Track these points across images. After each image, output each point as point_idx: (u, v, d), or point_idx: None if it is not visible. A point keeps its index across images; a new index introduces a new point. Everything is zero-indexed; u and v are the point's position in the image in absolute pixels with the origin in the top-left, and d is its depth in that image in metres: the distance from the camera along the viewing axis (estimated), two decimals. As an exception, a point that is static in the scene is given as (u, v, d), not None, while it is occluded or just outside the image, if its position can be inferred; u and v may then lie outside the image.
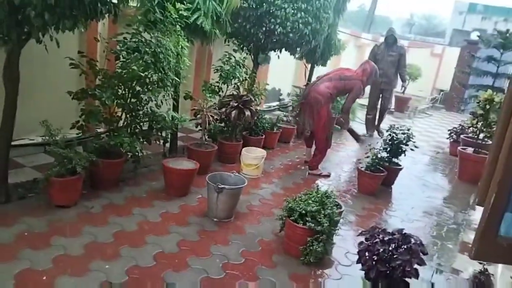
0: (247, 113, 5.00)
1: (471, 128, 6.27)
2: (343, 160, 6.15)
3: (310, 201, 3.14)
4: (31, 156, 4.25)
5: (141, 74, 3.64)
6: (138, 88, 3.84)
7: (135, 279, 2.60)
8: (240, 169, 4.78)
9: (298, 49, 6.11)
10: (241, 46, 5.77)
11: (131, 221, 3.31)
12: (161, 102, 4.08)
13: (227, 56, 5.21)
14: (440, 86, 14.48)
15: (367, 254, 2.54)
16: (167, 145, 4.71)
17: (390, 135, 4.92)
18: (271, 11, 5.15)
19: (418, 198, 5.00)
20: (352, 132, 5.90)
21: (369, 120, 8.07)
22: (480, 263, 3.08)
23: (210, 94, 5.12)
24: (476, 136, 6.01)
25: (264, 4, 5.13)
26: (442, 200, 5.08)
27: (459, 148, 6.17)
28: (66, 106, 4.31)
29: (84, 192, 3.54)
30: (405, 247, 2.50)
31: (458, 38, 16.16)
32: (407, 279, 2.45)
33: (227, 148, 5.10)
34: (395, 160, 5.07)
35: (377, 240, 2.56)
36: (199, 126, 4.89)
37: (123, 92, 3.83)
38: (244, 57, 5.49)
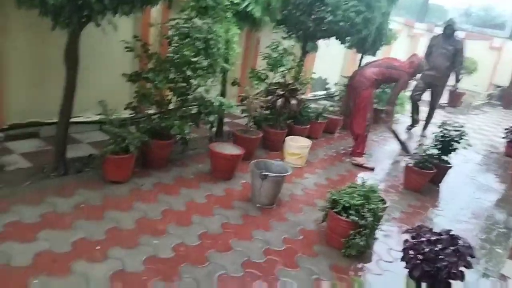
0: (293, 102, 4.98)
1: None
2: (388, 154, 6.00)
3: (354, 195, 3.12)
4: (87, 133, 4.50)
5: (192, 59, 3.72)
6: (188, 73, 3.93)
7: (181, 255, 2.71)
8: (283, 157, 4.80)
9: (348, 38, 5.97)
10: (290, 33, 5.73)
11: (178, 200, 3.44)
12: (210, 87, 4.16)
13: (275, 44, 5.20)
14: (497, 81, 13.64)
15: (412, 252, 2.50)
16: (214, 129, 4.81)
17: (441, 131, 4.74)
18: (322, -1, 5.06)
19: (468, 198, 4.81)
20: (397, 136, 5.78)
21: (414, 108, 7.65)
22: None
23: (257, 82, 5.15)
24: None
25: (315, -9, 5.05)
26: (493, 202, 4.86)
27: (515, 148, 5.83)
28: (120, 87, 4.51)
29: (136, 170, 3.71)
30: (452, 248, 2.44)
31: (520, 31, 15.08)
32: (451, 281, 2.40)
33: (272, 135, 5.13)
34: (445, 157, 4.89)
35: (423, 239, 2.51)
36: (244, 113, 4.95)
37: (174, 76, 3.94)
38: (292, 45, 5.46)
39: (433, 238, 2.50)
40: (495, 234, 3.94)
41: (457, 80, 7.32)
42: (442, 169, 4.86)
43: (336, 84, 8.15)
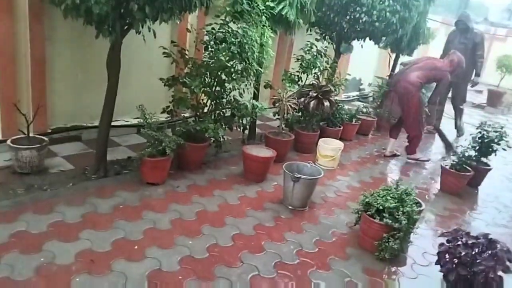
0: (326, 103, 4.98)
1: None
2: (425, 155, 5.85)
3: (388, 197, 3.08)
4: (125, 136, 4.69)
5: (227, 63, 3.80)
6: (223, 77, 4.02)
7: (215, 256, 2.79)
8: (315, 159, 4.81)
9: (383, 38, 5.89)
10: (324, 35, 5.72)
11: (212, 202, 3.53)
12: (243, 90, 4.23)
13: (309, 45, 5.21)
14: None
15: (447, 256, 2.45)
16: (246, 132, 4.89)
17: (480, 132, 4.59)
18: (357, -1, 5.03)
19: (507, 202, 4.62)
20: (442, 136, 5.82)
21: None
22: None
23: (290, 84, 5.18)
24: None
25: (350, -8, 5.02)
26: (535, 206, 4.65)
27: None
28: (157, 91, 4.67)
29: (171, 172, 3.84)
30: (490, 252, 2.38)
31: None
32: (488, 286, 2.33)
33: (304, 138, 5.14)
34: (484, 159, 4.73)
35: (460, 243, 2.46)
36: (277, 115, 4.99)
37: (210, 80, 4.04)
38: (326, 46, 5.45)
39: (470, 241, 2.44)
40: (539, 240, 3.77)
41: (477, 74, 7.09)
42: (481, 171, 4.70)
43: (370, 84, 8.05)
